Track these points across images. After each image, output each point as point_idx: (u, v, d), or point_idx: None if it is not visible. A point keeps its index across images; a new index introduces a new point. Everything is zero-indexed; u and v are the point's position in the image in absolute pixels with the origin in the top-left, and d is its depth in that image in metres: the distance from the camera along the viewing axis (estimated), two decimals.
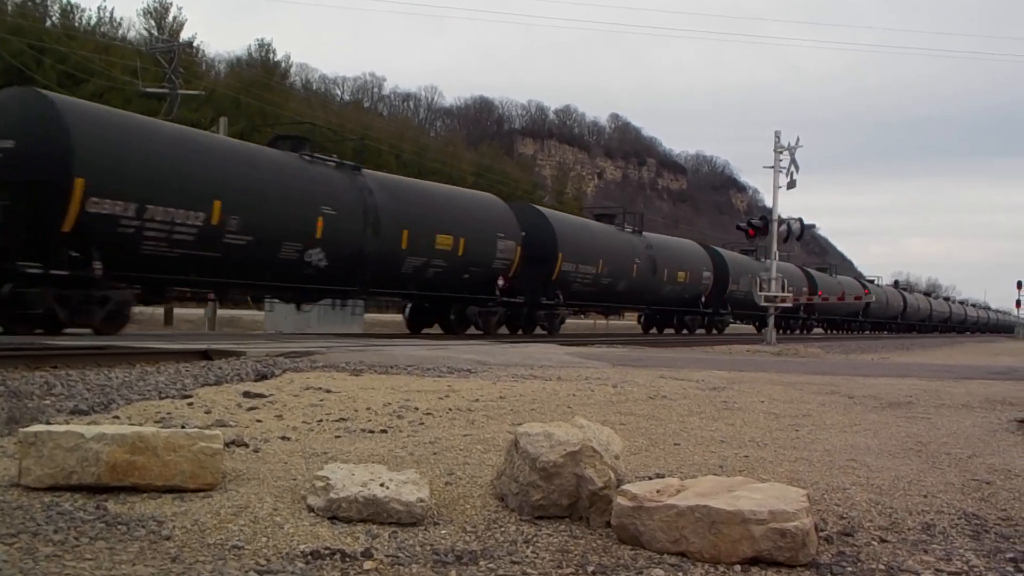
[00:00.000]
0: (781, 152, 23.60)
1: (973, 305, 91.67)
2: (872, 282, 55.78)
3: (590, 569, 2.56)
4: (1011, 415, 6.03)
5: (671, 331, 31.82)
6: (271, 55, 70.38)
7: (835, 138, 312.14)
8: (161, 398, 5.92)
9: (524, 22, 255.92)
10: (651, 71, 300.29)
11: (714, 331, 33.58)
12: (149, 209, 13.64)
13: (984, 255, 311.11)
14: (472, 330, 21.30)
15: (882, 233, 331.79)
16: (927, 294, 73.30)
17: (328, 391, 6.32)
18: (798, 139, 23.74)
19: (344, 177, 17.89)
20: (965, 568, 2.63)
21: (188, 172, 14.43)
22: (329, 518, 2.86)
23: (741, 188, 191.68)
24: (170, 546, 2.59)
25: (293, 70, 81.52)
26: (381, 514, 2.86)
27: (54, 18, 54.26)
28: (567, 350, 13.07)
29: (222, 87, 55.86)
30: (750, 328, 40.52)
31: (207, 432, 3.29)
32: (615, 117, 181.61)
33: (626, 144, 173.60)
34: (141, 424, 4.54)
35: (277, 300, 20.11)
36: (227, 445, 3.79)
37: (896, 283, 67.89)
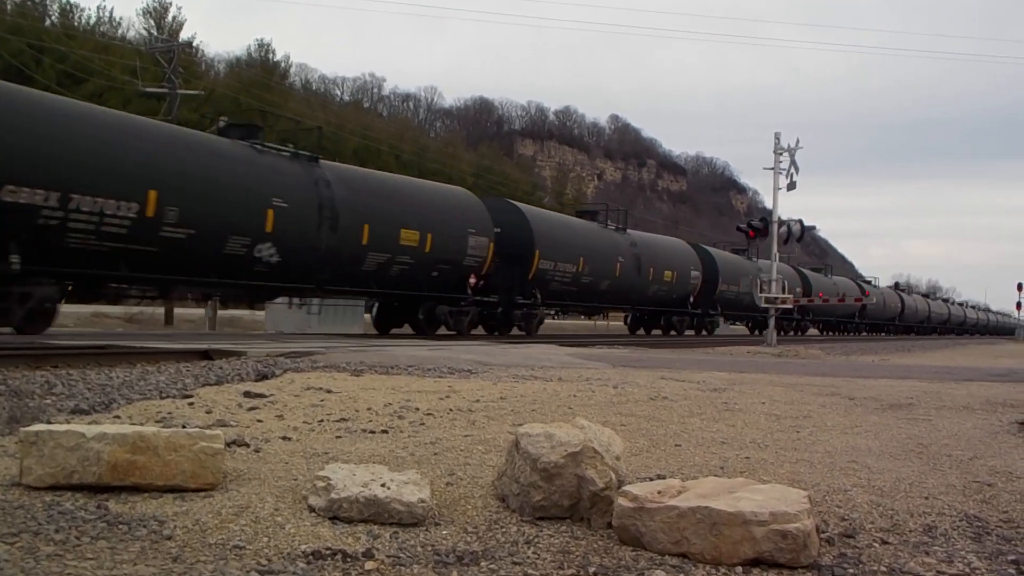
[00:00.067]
0: (781, 154, 23.61)
1: (973, 307, 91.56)
2: (869, 283, 55.60)
3: (591, 570, 2.56)
4: (1012, 417, 6.03)
5: (658, 332, 30.97)
6: (271, 55, 70.42)
7: (836, 140, 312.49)
8: (162, 398, 5.92)
9: (526, 23, 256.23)
10: (652, 72, 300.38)
11: (703, 332, 32.76)
12: (74, 199, 12.44)
13: (985, 257, 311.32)
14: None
15: (883, 235, 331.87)
16: (926, 295, 73.10)
17: (329, 391, 6.32)
18: (798, 141, 23.75)
19: (298, 168, 16.89)
20: (967, 570, 2.63)
21: (119, 159, 13.30)
22: (330, 518, 2.86)
23: (741, 190, 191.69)
24: (171, 546, 2.59)
25: (293, 70, 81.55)
26: (382, 514, 2.86)
27: (53, 17, 54.29)
28: (568, 351, 13.07)
29: (221, 87, 55.84)
30: (742, 329, 39.89)
31: (208, 432, 3.29)
32: (615, 118, 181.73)
33: (626, 145, 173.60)
34: (142, 424, 4.54)
35: (224, 298, 19.29)
36: (228, 445, 3.78)
37: (896, 285, 67.78)
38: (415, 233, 18.59)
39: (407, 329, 20.33)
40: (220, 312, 27.56)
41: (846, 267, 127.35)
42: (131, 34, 57.75)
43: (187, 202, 14.12)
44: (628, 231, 28.12)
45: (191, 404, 5.51)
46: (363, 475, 3.04)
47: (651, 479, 3.39)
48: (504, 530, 2.90)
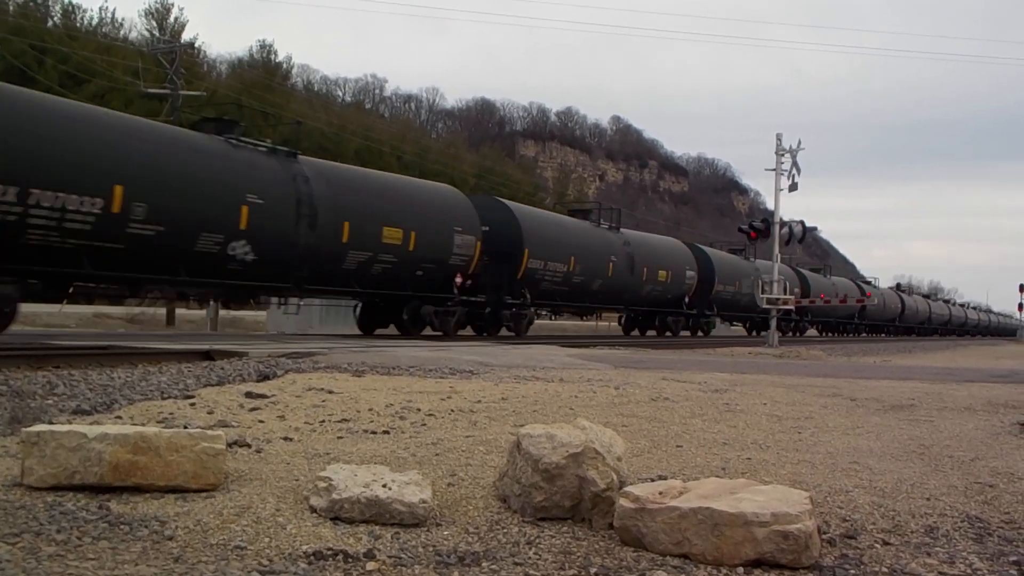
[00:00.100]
0: (783, 155, 23.61)
1: (974, 308, 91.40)
2: (869, 283, 55.39)
3: (592, 571, 2.56)
4: (1013, 418, 6.03)
5: (653, 333, 30.33)
6: (272, 56, 70.46)
7: (838, 141, 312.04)
8: (163, 398, 5.92)
9: (527, 24, 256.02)
10: (654, 74, 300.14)
11: (699, 333, 32.11)
12: (33, 193, 11.92)
13: (988, 259, 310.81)
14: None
15: (885, 236, 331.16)
16: (926, 296, 72.84)
17: (330, 392, 6.32)
18: (799, 142, 23.75)
19: (276, 163, 16.29)
20: (968, 571, 2.62)
21: (83, 153, 12.76)
22: (331, 519, 2.86)
23: (743, 191, 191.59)
24: (173, 546, 2.59)
25: (295, 71, 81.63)
26: (383, 515, 2.86)
27: (56, 18, 54.36)
28: (569, 351, 13.08)
29: (224, 88, 55.91)
30: (739, 330, 39.29)
31: (209, 432, 3.29)
32: (616, 119, 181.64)
33: (627, 146, 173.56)
34: (144, 424, 4.54)
35: (198, 298, 18.53)
36: (229, 445, 3.79)
37: (898, 286, 67.65)
38: (398, 231, 18.07)
39: (392, 330, 19.87)
40: (222, 313, 27.58)
41: (848, 268, 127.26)
42: (133, 35, 57.86)
43: (156, 198, 13.64)
44: (621, 230, 27.54)
45: (193, 404, 5.51)
46: (364, 476, 3.04)
47: (652, 480, 3.40)
48: (505, 531, 2.90)
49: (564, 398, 6.49)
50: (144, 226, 13.53)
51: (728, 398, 6.88)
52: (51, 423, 4.39)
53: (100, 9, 75.99)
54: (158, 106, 34.20)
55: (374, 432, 4.63)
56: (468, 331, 21.51)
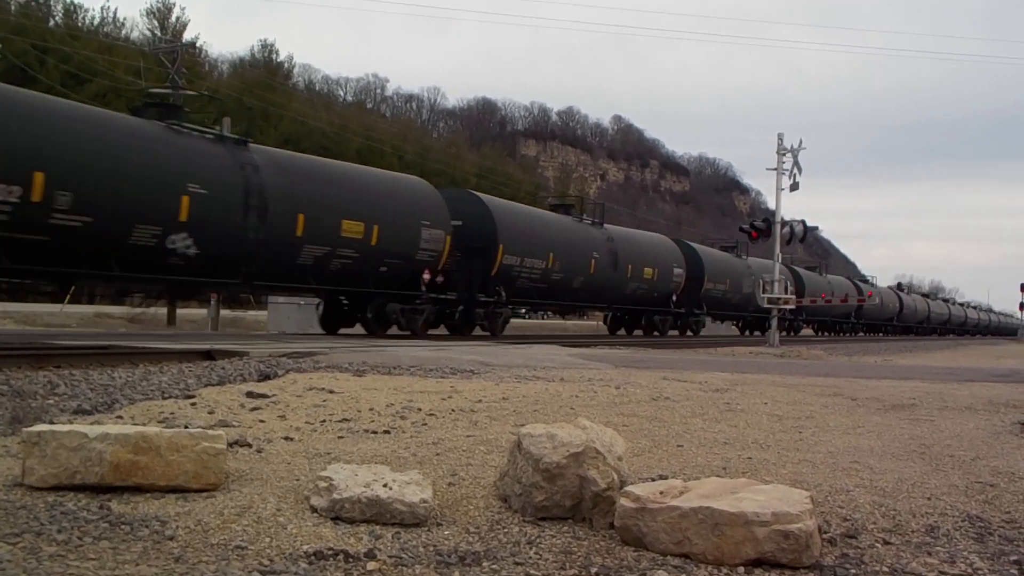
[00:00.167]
0: (784, 154, 23.61)
1: (974, 307, 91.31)
2: (866, 282, 55.15)
3: (593, 570, 2.56)
4: (1014, 418, 6.02)
5: (640, 332, 29.48)
6: (274, 56, 70.54)
7: (839, 141, 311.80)
8: (164, 398, 5.93)
9: (528, 24, 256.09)
10: (656, 73, 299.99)
11: (688, 332, 31.33)
12: None
13: (989, 258, 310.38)
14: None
15: (886, 236, 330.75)
16: (925, 295, 72.63)
17: (331, 392, 6.32)
18: (801, 141, 23.76)
19: (223, 151, 15.34)
20: (969, 571, 2.62)
21: None
22: (332, 519, 2.86)
23: (744, 190, 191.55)
24: (173, 546, 2.59)
25: (296, 71, 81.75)
26: (384, 515, 2.86)
27: (57, 18, 54.41)
28: (569, 351, 13.08)
29: (225, 88, 55.91)
30: (731, 329, 38.70)
31: (210, 432, 3.29)
32: (618, 119, 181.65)
33: (629, 146, 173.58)
34: (144, 424, 4.54)
35: (136, 294, 17.49)
36: (230, 445, 3.79)
37: (899, 285, 67.53)
38: (359, 224, 17.10)
39: (359, 329, 19.10)
40: (223, 312, 27.60)
41: (849, 268, 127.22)
42: (135, 35, 57.92)
43: (83, 186, 12.74)
44: (605, 226, 26.68)
45: (193, 404, 5.51)
46: (365, 475, 3.04)
47: (653, 479, 3.40)
48: (506, 530, 2.90)
49: (565, 398, 6.49)
50: (70, 217, 12.63)
51: (729, 397, 6.88)
52: (52, 423, 4.39)
53: (102, 9, 76.03)
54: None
55: (375, 432, 4.63)
56: (441, 330, 20.75)
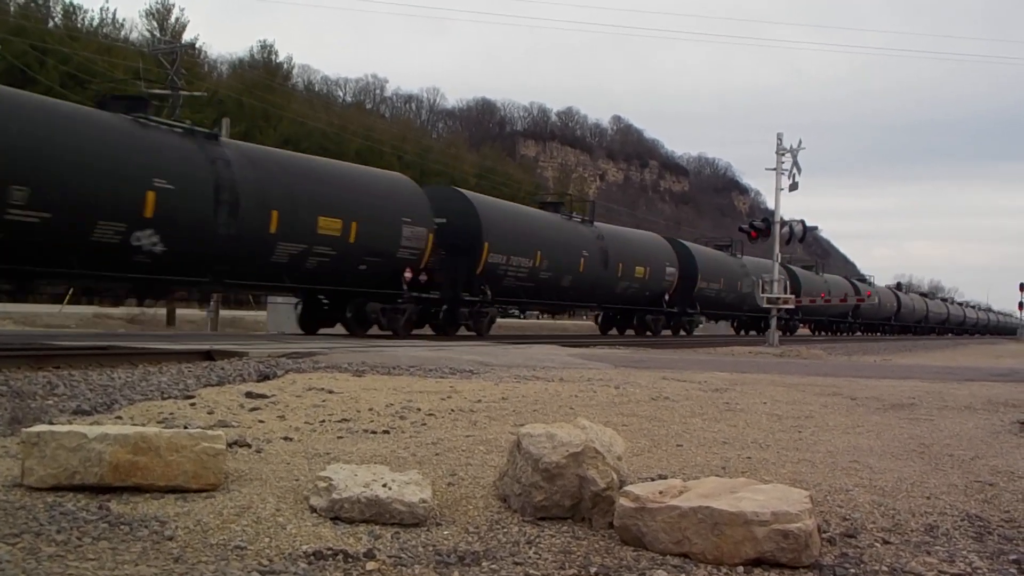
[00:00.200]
0: (783, 154, 23.64)
1: (973, 307, 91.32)
2: (863, 281, 54.98)
3: (592, 570, 2.56)
4: (1014, 417, 6.03)
5: (631, 332, 28.79)
6: (273, 56, 70.62)
7: (839, 141, 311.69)
8: (164, 398, 5.93)
9: (527, 24, 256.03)
10: (655, 74, 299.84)
11: (682, 332, 30.60)
12: None
13: (989, 258, 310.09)
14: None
15: (886, 236, 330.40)
16: (924, 295, 72.51)
17: (330, 392, 6.32)
18: (800, 142, 23.80)
19: (192, 146, 14.78)
20: (968, 570, 2.62)
21: None
22: (331, 519, 2.86)
23: (743, 190, 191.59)
24: (173, 546, 2.59)
25: (295, 71, 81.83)
26: (383, 515, 2.86)
27: (57, 19, 54.46)
28: (569, 351, 13.09)
29: (224, 88, 55.99)
30: (726, 329, 38.21)
31: (210, 432, 3.29)
32: (617, 119, 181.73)
33: (628, 146, 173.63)
34: (144, 424, 4.54)
35: (101, 294, 16.81)
36: (230, 446, 3.79)
37: (898, 285, 67.48)
38: (336, 221, 16.59)
39: (339, 329, 18.51)
40: (222, 312, 27.62)
41: (848, 268, 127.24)
42: (134, 36, 58.00)
43: (40, 181, 12.25)
44: (595, 223, 26.09)
45: (193, 405, 5.51)
46: (364, 475, 3.04)
47: (653, 479, 3.40)
48: (505, 530, 2.90)
49: (564, 397, 6.49)
50: (27, 212, 12.15)
51: (728, 397, 6.88)
52: (51, 423, 4.39)
53: (101, 10, 76.10)
54: (158, 106, 34.19)
55: (374, 432, 4.63)
56: (427, 330, 20.25)
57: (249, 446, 3.99)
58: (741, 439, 4.76)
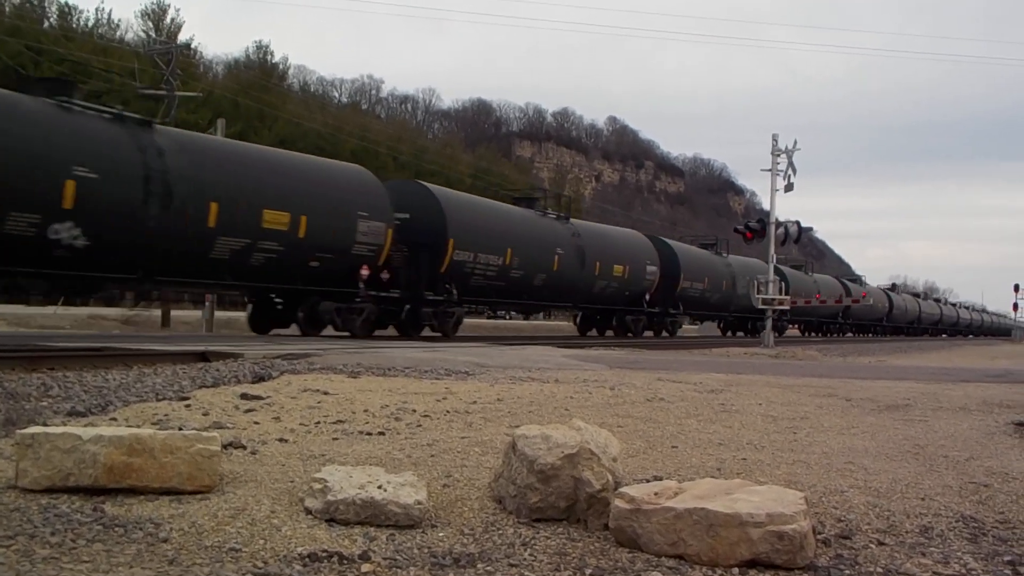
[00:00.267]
0: (779, 155, 23.69)
1: (967, 308, 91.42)
2: (855, 281, 54.84)
3: (588, 572, 2.56)
4: (1008, 418, 6.04)
5: (611, 333, 28.10)
6: (269, 57, 70.63)
7: (836, 142, 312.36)
8: (158, 400, 5.91)
9: (524, 25, 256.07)
10: (652, 75, 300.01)
11: (664, 333, 29.81)
12: None
13: (987, 259, 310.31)
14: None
15: (884, 236, 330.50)
16: (916, 296, 72.44)
17: (326, 393, 6.31)
18: (796, 142, 23.85)
19: (120, 132, 13.83)
20: (963, 571, 2.63)
21: None
22: (326, 520, 2.86)
23: (739, 191, 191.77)
24: (167, 548, 2.58)
25: (291, 72, 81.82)
26: (379, 516, 2.86)
27: (52, 19, 54.38)
28: (564, 352, 13.10)
29: (220, 89, 55.90)
30: (712, 329, 37.86)
31: (204, 434, 3.29)
32: (613, 120, 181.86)
33: (624, 147, 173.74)
34: (138, 426, 4.53)
35: (17, 291, 15.65)
36: (224, 447, 3.78)
37: (893, 285, 67.49)
38: (284, 215, 15.72)
39: (294, 330, 17.74)
40: (217, 314, 27.56)
41: (843, 268, 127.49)
42: (129, 36, 57.89)
43: None
44: (571, 220, 25.33)
45: (188, 406, 5.50)
46: (360, 477, 3.04)
47: (648, 480, 3.40)
48: (500, 532, 2.90)
49: (560, 399, 6.49)
50: None
51: (723, 398, 6.89)
52: (45, 425, 4.37)
53: (96, 10, 75.82)
54: (154, 107, 34.15)
55: (369, 433, 4.62)
56: (390, 331, 19.52)
57: (244, 448, 3.99)
58: (736, 440, 4.77)
